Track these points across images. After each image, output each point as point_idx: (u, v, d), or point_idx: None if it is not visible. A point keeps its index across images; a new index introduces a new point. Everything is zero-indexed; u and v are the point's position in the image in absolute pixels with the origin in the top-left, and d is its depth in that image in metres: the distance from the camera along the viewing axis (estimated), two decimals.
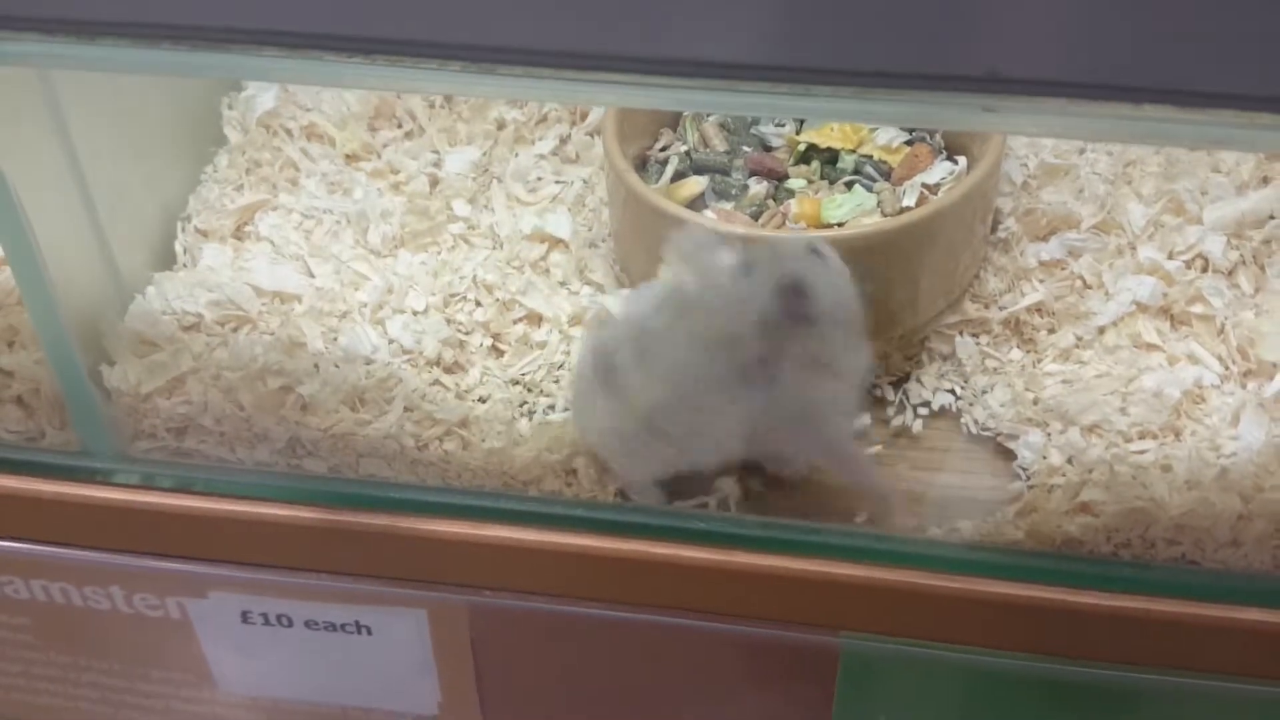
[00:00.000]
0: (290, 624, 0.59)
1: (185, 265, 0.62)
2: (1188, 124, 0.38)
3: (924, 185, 0.59)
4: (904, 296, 0.57)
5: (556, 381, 0.58)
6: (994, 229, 0.61)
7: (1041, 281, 0.59)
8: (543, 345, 0.59)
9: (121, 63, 0.43)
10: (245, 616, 0.59)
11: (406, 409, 0.56)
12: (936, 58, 0.38)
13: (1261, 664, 0.51)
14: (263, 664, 0.62)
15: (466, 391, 0.57)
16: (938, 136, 0.62)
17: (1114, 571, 0.52)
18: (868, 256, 0.54)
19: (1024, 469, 0.55)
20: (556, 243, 0.63)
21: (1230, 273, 0.58)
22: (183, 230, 0.64)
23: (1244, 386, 0.55)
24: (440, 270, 0.61)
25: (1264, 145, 0.44)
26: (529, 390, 0.58)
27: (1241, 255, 0.59)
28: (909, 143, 0.61)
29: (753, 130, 0.63)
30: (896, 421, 0.58)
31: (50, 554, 0.59)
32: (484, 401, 0.57)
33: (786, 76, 0.38)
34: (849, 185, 0.60)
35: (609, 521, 0.54)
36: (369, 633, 0.59)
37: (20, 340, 0.58)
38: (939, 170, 0.59)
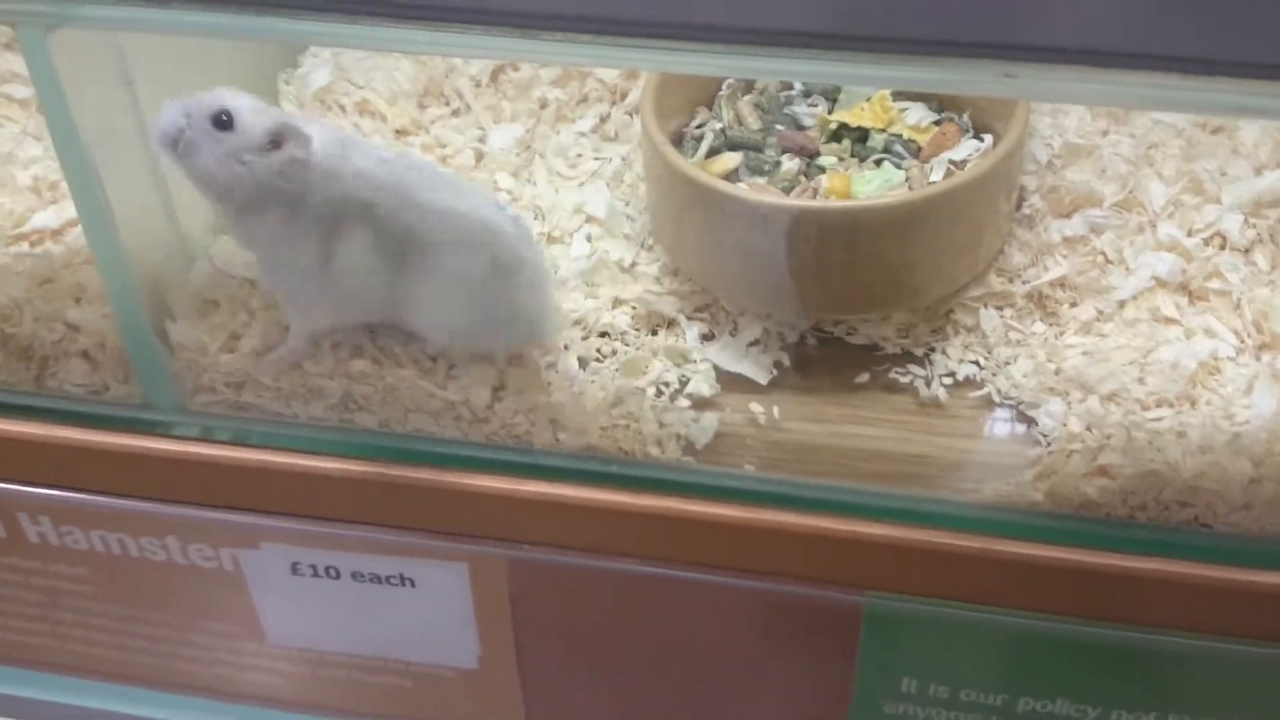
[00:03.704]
0: (338, 575, 0.61)
1: None
2: (1203, 92, 0.40)
3: (951, 162, 0.61)
4: (929, 268, 0.59)
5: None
6: (1019, 205, 0.63)
7: (1064, 257, 0.61)
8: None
9: (189, 26, 0.45)
10: (295, 568, 0.61)
11: (451, 366, 0.58)
12: (959, 25, 0.40)
13: (1271, 627, 0.53)
14: (310, 615, 0.64)
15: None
16: (965, 116, 0.63)
17: (1130, 533, 0.53)
18: (894, 228, 0.57)
19: (1044, 435, 0.56)
20: (593, 217, 0.66)
21: (1247, 250, 0.60)
22: None
23: (1258, 359, 0.56)
24: None
25: None
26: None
27: (1258, 233, 0.60)
28: (937, 122, 0.63)
29: (786, 110, 0.65)
30: (922, 391, 0.60)
31: (110, 504, 0.61)
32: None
33: (811, 43, 0.41)
34: (878, 163, 0.62)
35: (644, 479, 0.56)
36: (412, 585, 0.60)
37: (87, 297, 0.60)
38: (965, 148, 0.61)
